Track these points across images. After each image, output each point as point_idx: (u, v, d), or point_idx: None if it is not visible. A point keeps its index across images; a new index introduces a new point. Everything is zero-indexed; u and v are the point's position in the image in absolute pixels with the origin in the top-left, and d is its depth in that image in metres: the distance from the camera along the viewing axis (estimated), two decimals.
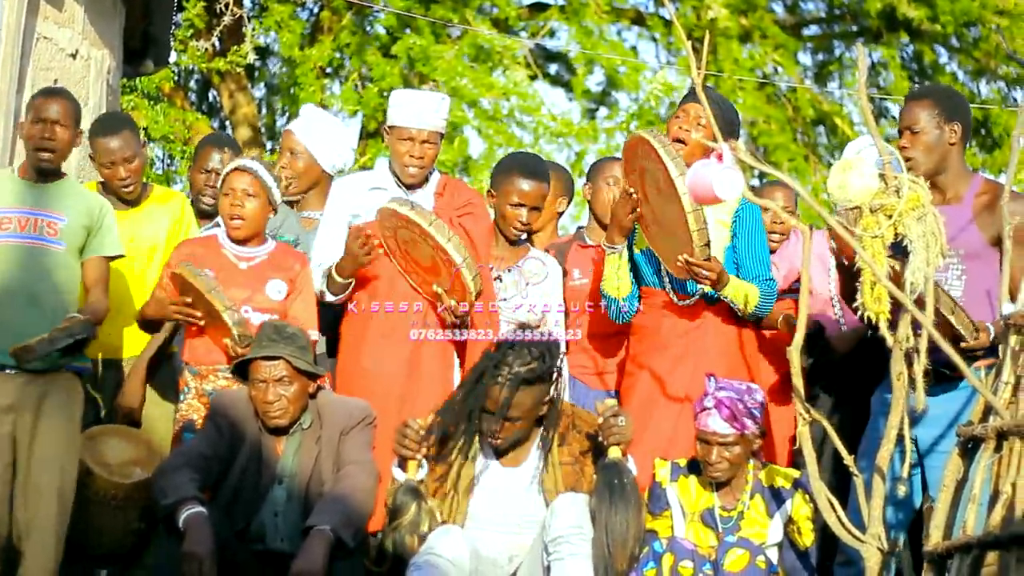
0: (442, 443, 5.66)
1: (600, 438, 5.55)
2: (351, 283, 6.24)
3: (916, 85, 16.13)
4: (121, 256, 6.15)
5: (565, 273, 6.65)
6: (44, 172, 5.96)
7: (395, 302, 6.26)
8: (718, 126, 5.84)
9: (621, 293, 6.14)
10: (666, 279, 6.13)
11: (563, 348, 5.79)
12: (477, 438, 5.65)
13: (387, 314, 6.25)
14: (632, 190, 5.93)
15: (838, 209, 5.30)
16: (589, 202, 6.96)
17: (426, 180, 6.42)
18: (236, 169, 6.19)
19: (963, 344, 5.23)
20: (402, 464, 5.63)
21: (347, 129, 7.48)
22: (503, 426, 5.51)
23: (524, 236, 6.61)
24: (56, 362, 5.77)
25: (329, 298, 6.29)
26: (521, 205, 6.45)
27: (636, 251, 6.20)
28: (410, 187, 6.38)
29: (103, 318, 5.94)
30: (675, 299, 6.11)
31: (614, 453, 5.52)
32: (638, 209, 5.94)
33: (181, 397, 6.28)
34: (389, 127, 6.38)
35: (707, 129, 5.97)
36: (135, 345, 6.65)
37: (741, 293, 5.96)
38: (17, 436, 5.78)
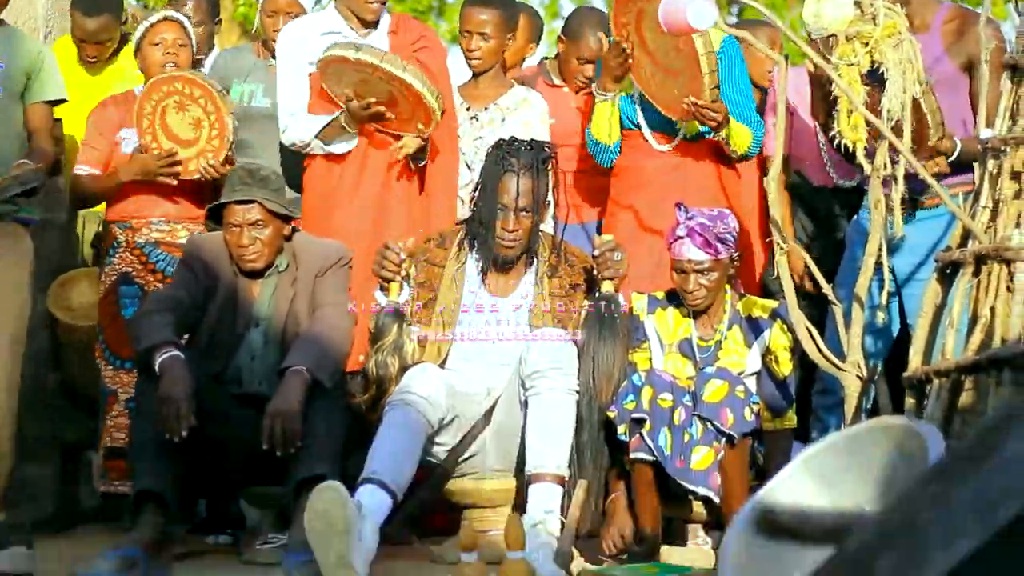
0: (428, 268, 5.69)
1: (595, 271, 5.56)
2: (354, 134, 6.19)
3: None
4: (65, 100, 6.05)
5: None
6: None
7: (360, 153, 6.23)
8: None
9: (612, 140, 6.18)
10: (644, 123, 6.12)
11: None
12: (471, 257, 5.71)
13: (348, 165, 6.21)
14: (624, 41, 5.89)
15: (814, 38, 5.25)
16: (559, 53, 6.85)
17: (377, 21, 6.32)
18: (165, 20, 6.28)
19: (929, 144, 5.25)
20: (383, 288, 5.63)
21: None
22: (517, 220, 5.55)
23: (484, 69, 6.54)
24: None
25: (316, 147, 6.22)
26: (467, 32, 6.42)
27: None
28: (366, 26, 6.28)
29: (51, 165, 5.88)
30: (655, 144, 6.11)
31: (607, 287, 5.53)
32: (629, 59, 5.92)
33: (110, 252, 6.29)
34: None
35: None
36: None
37: (738, 134, 6.00)
38: None
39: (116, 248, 6.26)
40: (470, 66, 6.54)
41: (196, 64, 6.55)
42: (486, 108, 6.48)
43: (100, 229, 6.67)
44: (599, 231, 6.32)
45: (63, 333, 6.47)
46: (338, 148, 6.23)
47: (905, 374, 4.72)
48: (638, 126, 6.19)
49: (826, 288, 5.25)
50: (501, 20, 6.47)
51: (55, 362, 6.56)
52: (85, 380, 6.38)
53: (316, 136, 6.19)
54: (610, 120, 6.14)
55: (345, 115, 6.10)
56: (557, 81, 6.79)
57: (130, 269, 6.21)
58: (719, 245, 5.39)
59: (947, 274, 4.72)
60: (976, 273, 4.55)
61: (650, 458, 5.21)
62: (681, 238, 5.43)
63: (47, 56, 5.96)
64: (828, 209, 6.55)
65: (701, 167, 6.19)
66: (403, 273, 5.62)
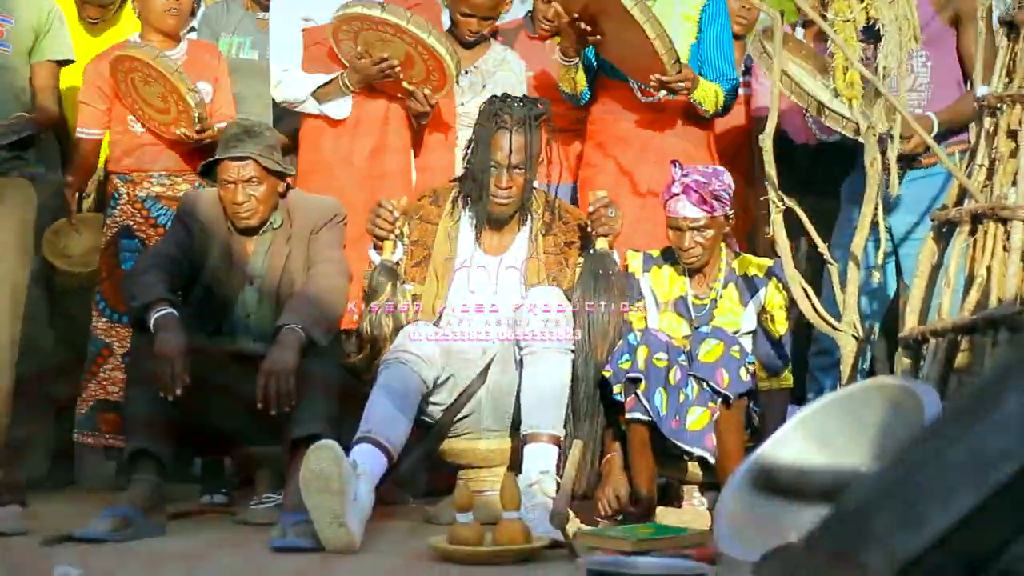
0: (422, 225, 5.68)
1: (589, 229, 5.56)
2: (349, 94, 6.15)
3: None
4: (72, 61, 6.04)
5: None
6: None
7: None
8: None
9: (577, 90, 6.16)
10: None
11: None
12: (464, 214, 5.68)
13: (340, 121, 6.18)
14: (576, 18, 5.84)
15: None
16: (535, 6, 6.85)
17: None
18: None
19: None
20: (377, 247, 5.62)
21: None
22: (511, 177, 5.53)
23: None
24: (3, 163, 5.67)
25: (310, 106, 6.20)
26: (471, 16, 6.35)
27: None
28: None
29: (52, 123, 5.90)
30: (640, 96, 6.08)
31: (601, 244, 5.55)
32: (587, 35, 5.87)
33: (111, 203, 6.28)
34: None
35: None
36: None
37: (710, 95, 5.97)
38: None
39: (117, 200, 6.25)
40: (462, 39, 6.44)
41: (192, 13, 6.55)
42: (466, 72, 6.42)
43: (101, 178, 6.66)
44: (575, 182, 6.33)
45: (61, 281, 6.43)
46: (332, 111, 6.19)
47: (901, 334, 4.71)
48: (621, 78, 6.14)
49: (822, 247, 5.24)
50: (499, 1, 6.46)
51: (50, 316, 6.53)
52: (86, 329, 6.35)
53: (313, 94, 6.16)
54: (575, 79, 6.11)
55: (348, 73, 6.07)
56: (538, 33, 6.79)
57: (131, 223, 6.20)
58: (714, 202, 5.36)
59: (943, 233, 4.71)
60: (972, 232, 4.54)
61: (646, 418, 5.19)
62: (676, 195, 5.40)
63: (57, 15, 5.95)
64: (811, 166, 6.52)
65: (682, 123, 6.14)
66: (397, 231, 5.61)
